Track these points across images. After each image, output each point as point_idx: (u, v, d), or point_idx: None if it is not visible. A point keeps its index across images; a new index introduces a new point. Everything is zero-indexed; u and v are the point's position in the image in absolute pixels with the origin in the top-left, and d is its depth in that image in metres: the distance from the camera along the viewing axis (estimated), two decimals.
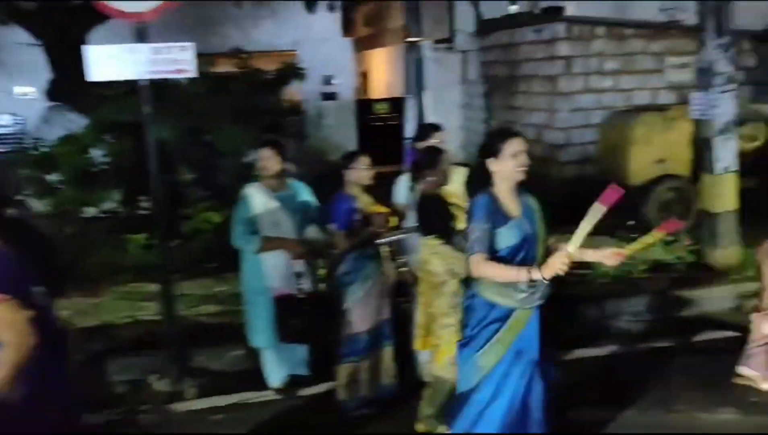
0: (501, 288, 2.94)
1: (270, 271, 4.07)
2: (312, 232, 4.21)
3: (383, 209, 4.15)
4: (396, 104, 13.86)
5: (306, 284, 4.10)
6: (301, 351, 4.34)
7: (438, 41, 12.89)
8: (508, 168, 2.95)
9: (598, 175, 8.60)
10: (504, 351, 2.98)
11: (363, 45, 18.83)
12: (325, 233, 4.14)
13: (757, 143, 8.13)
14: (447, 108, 12.83)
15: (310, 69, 12.63)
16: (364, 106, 13.54)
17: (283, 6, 12.11)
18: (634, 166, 7.74)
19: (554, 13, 9.00)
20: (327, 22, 12.68)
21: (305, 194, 4.31)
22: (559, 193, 9.02)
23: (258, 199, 4.09)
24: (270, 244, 4.03)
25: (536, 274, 2.78)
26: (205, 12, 11.30)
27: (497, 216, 2.92)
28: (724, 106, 5.60)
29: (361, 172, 4.03)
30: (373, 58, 16.67)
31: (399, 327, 4.22)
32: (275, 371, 4.27)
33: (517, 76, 10.05)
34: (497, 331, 2.97)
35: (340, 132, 12.76)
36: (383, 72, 15.74)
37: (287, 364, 4.29)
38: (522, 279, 2.80)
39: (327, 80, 12.58)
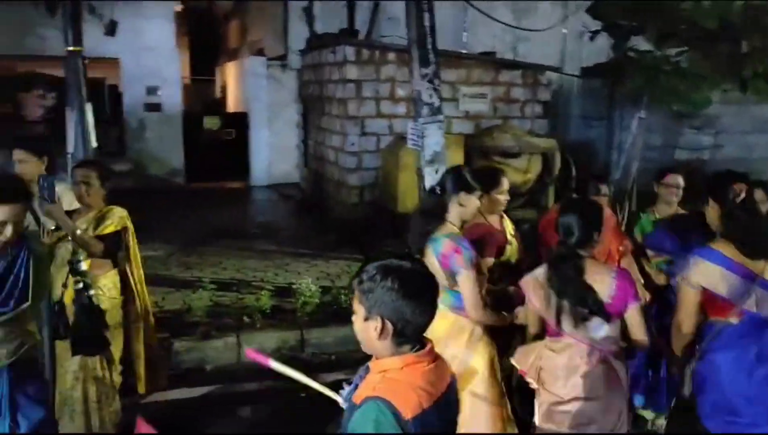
0: None
1: None
2: None
3: None
4: (232, 119, 13.52)
5: None
6: None
7: (274, 58, 12.70)
8: None
9: (378, 202, 8.53)
10: None
11: (225, 58, 18.47)
12: None
13: (529, 175, 8.24)
14: (283, 126, 12.62)
15: (133, 78, 12.16)
16: (195, 119, 13.11)
17: (112, 13, 11.57)
18: (402, 193, 7.67)
19: (347, 36, 8.90)
20: (159, 30, 12.23)
21: None
22: (349, 218, 8.91)
23: None
24: None
25: None
26: (25, 13, 10.52)
27: None
28: (431, 136, 5.51)
29: None
30: (229, 72, 16.34)
31: None
32: None
33: (323, 97, 9.90)
34: None
35: (164, 145, 12.27)
36: (233, 86, 15.42)
37: None
38: None
39: (151, 90, 12.04)
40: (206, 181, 12.38)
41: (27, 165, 3.69)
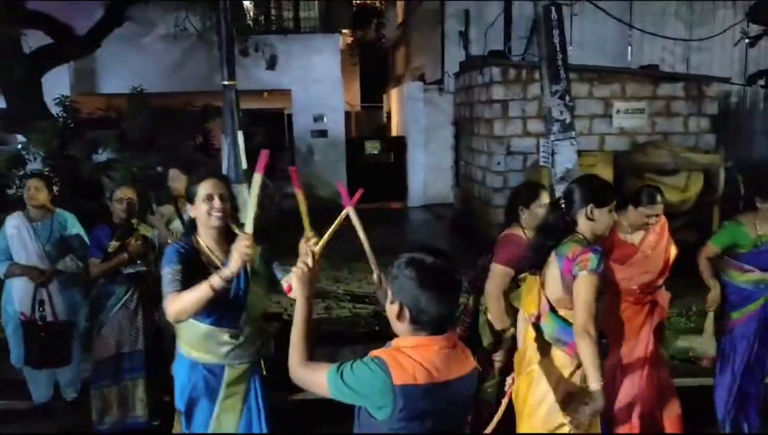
0: (200, 340, 2.62)
1: (16, 297, 4.36)
2: (67, 261, 4.41)
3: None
4: (392, 143, 14.10)
5: (47, 311, 4.33)
6: (65, 373, 4.57)
7: (432, 82, 13.10)
8: (201, 213, 2.61)
9: None
10: (237, 419, 2.71)
11: (391, 84, 19.30)
12: (84, 263, 4.29)
13: (688, 194, 7.65)
14: (438, 148, 12.96)
15: (302, 107, 13.23)
16: (358, 144, 13.90)
17: (285, 48, 12.76)
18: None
19: (496, 57, 8.97)
20: (325, 63, 13.20)
21: (70, 224, 4.48)
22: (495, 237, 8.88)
23: (13, 226, 4.35)
24: (13, 270, 4.31)
25: (225, 272, 2.38)
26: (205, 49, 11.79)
27: (195, 265, 2.57)
28: (562, 153, 5.42)
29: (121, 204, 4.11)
30: (392, 98, 17.07)
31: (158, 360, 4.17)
32: (35, 389, 4.55)
33: (472, 118, 10.04)
34: (212, 402, 2.66)
35: (329, 168, 13.14)
36: (395, 111, 16.08)
37: (47, 382, 4.55)
38: (213, 285, 2.37)
39: (318, 118, 13.03)
40: (366, 201, 12.88)
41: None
